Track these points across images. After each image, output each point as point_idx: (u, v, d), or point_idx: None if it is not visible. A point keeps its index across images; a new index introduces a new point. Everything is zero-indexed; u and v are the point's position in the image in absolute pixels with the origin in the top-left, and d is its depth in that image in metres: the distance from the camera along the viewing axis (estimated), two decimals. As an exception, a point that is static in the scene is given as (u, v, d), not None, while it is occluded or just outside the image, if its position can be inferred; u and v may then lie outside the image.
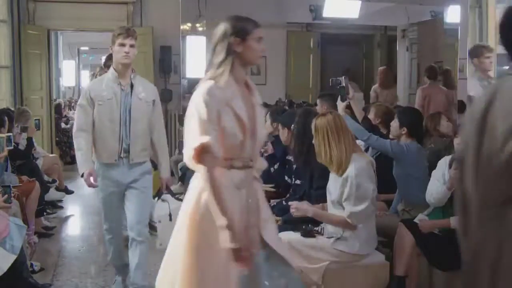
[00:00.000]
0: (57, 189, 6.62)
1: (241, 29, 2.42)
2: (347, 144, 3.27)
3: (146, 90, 3.69)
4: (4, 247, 3.49)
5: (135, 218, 3.66)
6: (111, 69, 3.62)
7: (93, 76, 9.89)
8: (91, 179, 3.56)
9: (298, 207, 3.39)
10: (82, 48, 14.78)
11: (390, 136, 4.19)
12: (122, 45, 3.50)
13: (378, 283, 3.42)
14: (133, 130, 3.59)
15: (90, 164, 3.59)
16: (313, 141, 3.39)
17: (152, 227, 4.07)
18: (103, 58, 5.03)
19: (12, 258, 3.50)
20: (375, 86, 8.08)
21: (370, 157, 3.78)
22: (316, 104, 5.32)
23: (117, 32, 3.54)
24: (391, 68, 10.07)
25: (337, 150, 3.26)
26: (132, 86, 3.61)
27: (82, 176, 3.59)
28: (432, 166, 3.80)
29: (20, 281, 3.66)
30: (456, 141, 3.82)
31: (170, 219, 3.89)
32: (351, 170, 3.22)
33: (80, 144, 3.58)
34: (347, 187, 3.23)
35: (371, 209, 3.27)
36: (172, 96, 8.78)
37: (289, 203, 3.51)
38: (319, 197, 3.52)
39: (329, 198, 3.36)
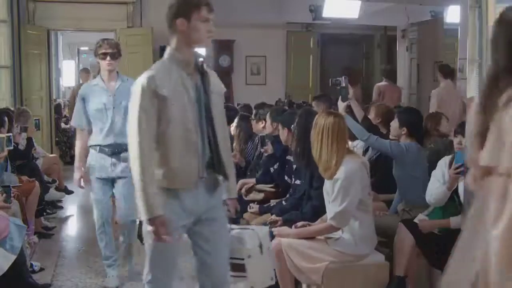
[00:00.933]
0: (57, 189, 6.61)
1: None
2: (339, 149, 3.27)
3: (216, 79, 2.73)
4: (4, 247, 3.50)
5: (223, 268, 2.76)
6: (173, 53, 2.59)
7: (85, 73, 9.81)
8: (163, 230, 2.47)
9: (280, 233, 3.43)
10: (82, 48, 14.77)
11: (390, 136, 4.19)
12: (206, 20, 2.54)
13: (378, 283, 3.42)
14: (218, 137, 2.63)
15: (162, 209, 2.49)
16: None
17: (235, 267, 3.00)
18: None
19: (12, 258, 3.51)
20: None
21: (364, 158, 3.79)
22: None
23: (196, 2, 2.52)
24: (392, 68, 10.09)
25: (327, 153, 3.26)
26: (203, 74, 2.61)
27: (150, 220, 2.46)
28: (432, 166, 3.80)
29: (20, 281, 3.67)
30: (455, 141, 3.82)
31: (262, 251, 3.00)
32: (340, 173, 3.23)
33: (150, 173, 2.46)
34: (336, 188, 3.24)
35: (353, 209, 3.26)
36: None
37: (272, 229, 3.52)
38: (319, 197, 3.52)
39: (326, 198, 3.36)
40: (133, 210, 3.96)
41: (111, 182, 4.07)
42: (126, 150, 3.96)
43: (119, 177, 4.02)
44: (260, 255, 3.00)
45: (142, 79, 2.48)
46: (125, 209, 4.03)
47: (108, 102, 3.97)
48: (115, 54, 3.99)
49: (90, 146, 4.05)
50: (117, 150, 3.98)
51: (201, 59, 2.61)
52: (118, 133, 3.94)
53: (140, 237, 4.07)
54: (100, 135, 3.99)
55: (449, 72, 7.19)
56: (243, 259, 2.97)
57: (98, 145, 4.00)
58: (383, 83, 8.46)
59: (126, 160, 3.96)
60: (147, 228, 2.51)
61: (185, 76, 2.55)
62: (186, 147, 2.53)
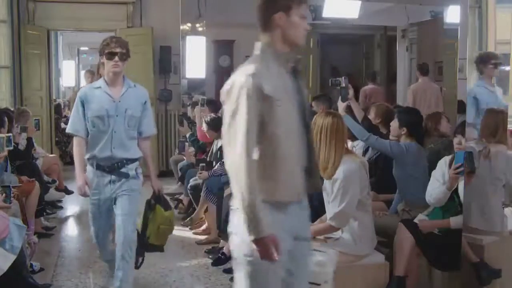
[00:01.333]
0: (57, 189, 6.61)
1: None
2: (338, 149, 3.27)
3: None
4: (4, 247, 3.49)
5: None
6: (267, 48, 2.27)
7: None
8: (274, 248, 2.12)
9: None
10: (82, 48, 14.77)
11: (391, 137, 4.19)
12: (304, 17, 2.29)
13: (378, 283, 3.43)
14: (312, 144, 2.37)
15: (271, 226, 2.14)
16: None
17: None
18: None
19: (12, 258, 3.50)
20: None
21: (362, 158, 3.78)
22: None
23: None
24: (392, 68, 10.11)
25: (325, 152, 3.26)
26: (297, 74, 2.33)
27: (259, 240, 2.10)
28: (432, 166, 3.80)
29: (20, 281, 3.66)
30: (455, 141, 3.82)
31: (334, 276, 2.84)
32: (339, 173, 3.23)
33: (257, 188, 2.10)
34: (335, 188, 3.23)
35: (353, 210, 3.26)
36: (172, 96, 8.79)
37: None
38: (318, 197, 3.51)
39: (326, 198, 3.36)
40: (134, 230, 3.62)
41: (111, 200, 3.61)
42: (126, 164, 3.54)
43: (120, 195, 3.59)
44: (332, 280, 2.85)
45: (244, 77, 2.14)
46: (125, 230, 3.54)
47: (111, 109, 3.52)
48: (124, 55, 3.52)
49: (86, 159, 3.60)
50: (117, 166, 3.55)
51: (296, 58, 2.33)
52: (118, 146, 3.52)
53: (137, 266, 3.82)
54: (97, 146, 3.53)
55: (426, 70, 7.83)
56: (319, 284, 2.75)
57: (94, 158, 3.56)
58: (370, 86, 8.74)
59: (127, 176, 3.57)
60: (247, 253, 2.16)
61: (284, 73, 2.26)
62: (293, 155, 2.23)
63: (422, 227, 3.56)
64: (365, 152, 4.61)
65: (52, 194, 6.44)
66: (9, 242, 3.52)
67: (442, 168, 3.63)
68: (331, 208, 3.28)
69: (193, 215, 5.75)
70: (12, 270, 3.48)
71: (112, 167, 3.56)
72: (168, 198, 6.78)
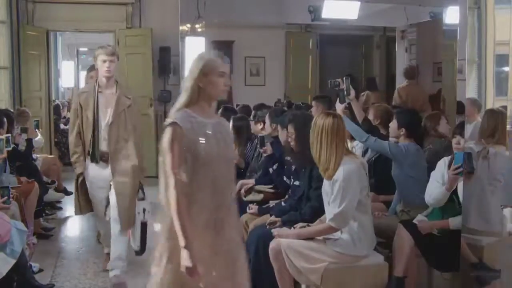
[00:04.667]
0: (56, 190, 6.61)
1: None
2: (338, 149, 3.27)
3: None
4: (4, 251, 3.50)
5: None
6: None
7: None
8: None
9: (280, 233, 3.44)
10: (81, 49, 14.75)
11: (390, 137, 4.19)
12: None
13: (377, 283, 3.42)
14: None
15: None
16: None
17: None
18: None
19: (11, 262, 3.50)
20: None
21: (362, 158, 3.78)
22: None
23: None
24: (391, 69, 10.10)
25: (326, 153, 3.27)
26: None
27: None
28: (431, 167, 3.80)
29: (23, 283, 3.67)
30: (454, 141, 3.83)
31: None
32: (339, 174, 3.23)
33: None
34: (335, 189, 3.23)
35: (352, 210, 3.26)
36: (171, 97, 8.79)
37: (272, 230, 3.54)
38: (318, 198, 3.52)
39: (325, 199, 3.36)
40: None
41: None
42: None
43: None
44: None
45: None
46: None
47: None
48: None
49: None
50: None
51: None
52: None
53: None
54: None
55: None
56: None
57: None
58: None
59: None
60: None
61: None
62: None
63: (421, 228, 3.56)
64: (364, 153, 4.61)
65: (51, 195, 6.43)
66: (10, 246, 3.53)
67: (441, 169, 3.63)
68: (331, 209, 3.28)
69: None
70: (15, 272, 3.49)
71: None
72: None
